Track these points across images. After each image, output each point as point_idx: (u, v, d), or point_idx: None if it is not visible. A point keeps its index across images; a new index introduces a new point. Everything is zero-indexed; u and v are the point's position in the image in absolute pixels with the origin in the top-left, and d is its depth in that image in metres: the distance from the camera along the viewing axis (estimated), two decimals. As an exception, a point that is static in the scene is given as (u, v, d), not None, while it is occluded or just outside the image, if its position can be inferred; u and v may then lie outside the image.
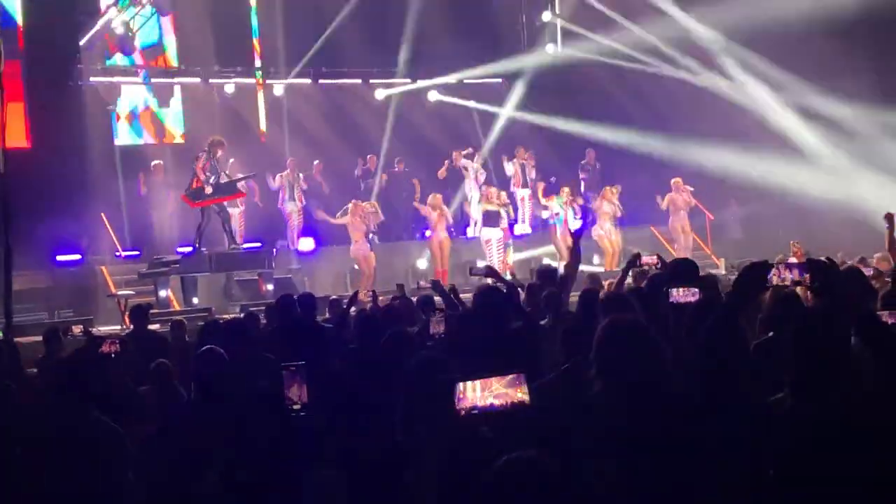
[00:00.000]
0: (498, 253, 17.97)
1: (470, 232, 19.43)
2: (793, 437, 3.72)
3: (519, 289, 8.27)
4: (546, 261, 18.11)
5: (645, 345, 3.99)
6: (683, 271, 5.87)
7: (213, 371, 5.50)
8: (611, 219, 18.89)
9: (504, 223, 18.37)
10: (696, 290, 4.87)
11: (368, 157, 20.48)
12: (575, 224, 18.88)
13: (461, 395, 3.27)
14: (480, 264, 14.92)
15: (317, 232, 18.92)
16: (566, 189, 19.07)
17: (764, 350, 5.12)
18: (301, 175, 19.12)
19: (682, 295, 4.86)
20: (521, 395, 3.29)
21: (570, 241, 18.63)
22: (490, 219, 18.19)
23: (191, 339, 10.24)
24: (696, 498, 3.79)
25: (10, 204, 12.90)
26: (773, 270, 4.08)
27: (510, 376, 3.30)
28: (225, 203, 16.58)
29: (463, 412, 3.30)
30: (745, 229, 21.53)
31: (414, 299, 10.06)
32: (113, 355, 6.71)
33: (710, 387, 3.93)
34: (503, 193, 19.09)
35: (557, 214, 18.66)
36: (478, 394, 3.27)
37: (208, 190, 15.91)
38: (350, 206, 17.63)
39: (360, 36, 21.58)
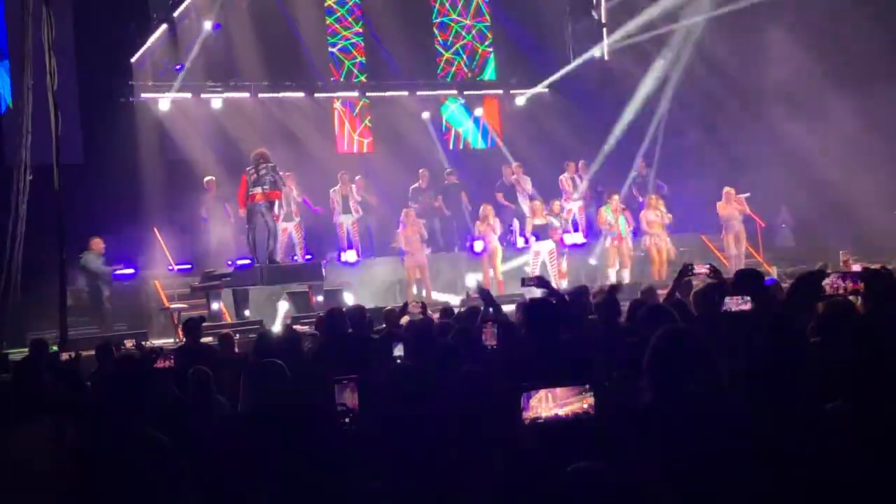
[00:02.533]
0: (551, 263, 17.94)
1: (519, 243, 19.33)
2: (849, 445, 3.67)
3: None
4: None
5: (699, 354, 3.95)
6: (747, 281, 5.78)
7: (271, 383, 5.50)
8: (659, 227, 18.75)
9: (558, 234, 18.35)
10: (748, 297, 4.80)
11: (421, 171, 20.44)
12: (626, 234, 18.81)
13: (526, 405, 3.25)
14: (532, 275, 14.91)
15: (371, 244, 18.99)
16: (615, 197, 18.99)
17: (816, 356, 5.06)
18: (354, 187, 19.19)
19: (736, 303, 4.80)
20: (587, 405, 3.26)
21: (625, 250, 18.68)
22: (539, 231, 18.14)
23: (241, 350, 10.32)
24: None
25: (65, 219, 13.12)
26: (828, 280, 4.03)
27: (576, 387, 3.27)
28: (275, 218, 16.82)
29: (527, 422, 3.27)
30: (798, 237, 21.28)
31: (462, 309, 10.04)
32: (167, 369, 6.76)
33: (767, 394, 3.89)
34: (556, 203, 19.07)
35: (612, 227, 18.59)
36: (543, 404, 3.25)
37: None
38: (402, 216, 17.77)
39: (404, 48, 21.68)
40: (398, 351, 7.25)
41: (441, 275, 18.71)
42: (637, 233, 19.06)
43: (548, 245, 18.09)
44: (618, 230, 18.60)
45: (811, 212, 20.16)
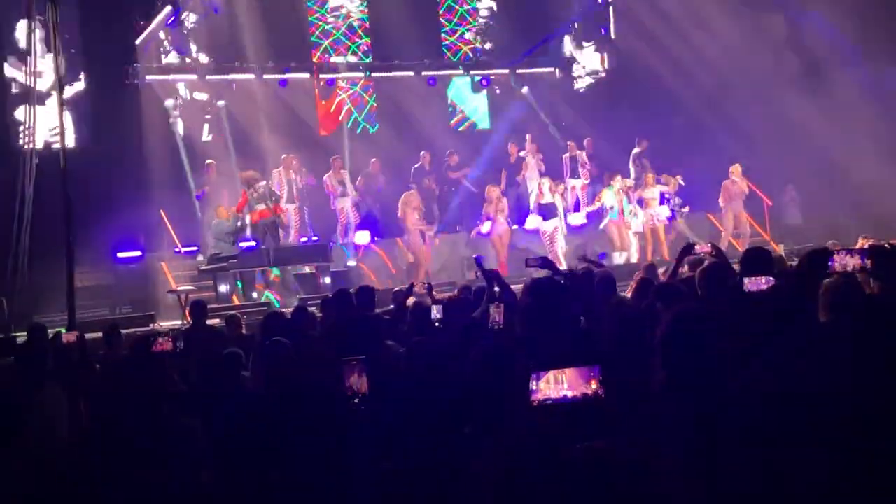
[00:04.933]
0: (556, 242, 17.92)
1: (529, 223, 19.26)
2: (854, 426, 3.67)
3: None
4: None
5: (710, 335, 3.94)
6: (756, 260, 5.74)
7: (280, 363, 5.50)
8: (656, 204, 18.70)
9: (560, 213, 18.32)
10: (770, 277, 4.73)
11: (422, 153, 20.37)
12: (630, 215, 18.75)
13: (534, 387, 3.25)
14: (536, 256, 14.87)
15: (375, 226, 18.95)
16: (618, 177, 18.89)
17: (822, 335, 5.05)
18: (347, 171, 19.15)
19: (755, 283, 4.72)
20: (595, 386, 3.26)
21: (625, 231, 18.63)
22: (546, 211, 18.11)
23: (248, 332, 10.32)
24: (759, 485, 3.74)
25: (72, 202, 13.12)
26: (835, 257, 4.01)
27: (584, 368, 3.27)
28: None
29: (536, 403, 3.27)
30: (805, 214, 21.19)
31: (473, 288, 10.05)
32: (172, 350, 6.71)
33: (776, 375, 3.88)
34: (562, 185, 19.05)
35: (612, 207, 18.53)
36: (551, 385, 3.25)
37: None
38: (403, 196, 17.76)
39: (410, 27, 21.59)
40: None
41: (447, 255, 18.77)
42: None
43: (553, 224, 18.07)
44: (619, 211, 18.54)
45: (819, 189, 20.06)
